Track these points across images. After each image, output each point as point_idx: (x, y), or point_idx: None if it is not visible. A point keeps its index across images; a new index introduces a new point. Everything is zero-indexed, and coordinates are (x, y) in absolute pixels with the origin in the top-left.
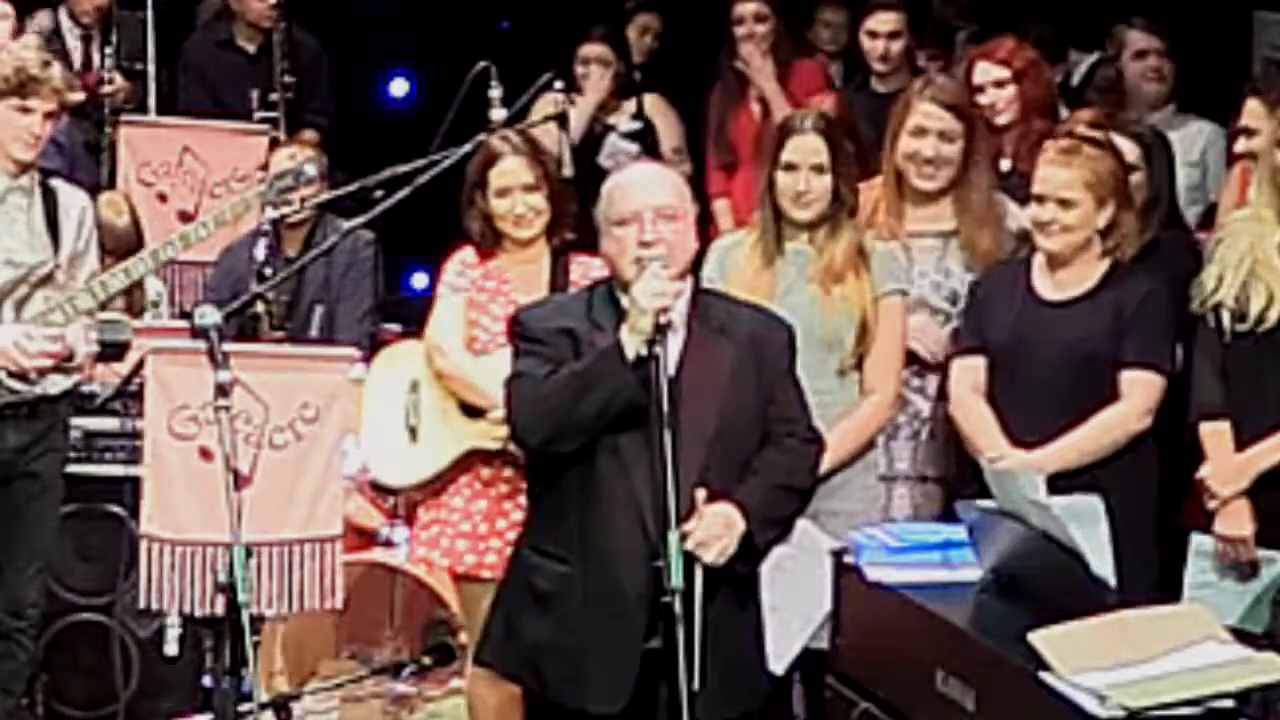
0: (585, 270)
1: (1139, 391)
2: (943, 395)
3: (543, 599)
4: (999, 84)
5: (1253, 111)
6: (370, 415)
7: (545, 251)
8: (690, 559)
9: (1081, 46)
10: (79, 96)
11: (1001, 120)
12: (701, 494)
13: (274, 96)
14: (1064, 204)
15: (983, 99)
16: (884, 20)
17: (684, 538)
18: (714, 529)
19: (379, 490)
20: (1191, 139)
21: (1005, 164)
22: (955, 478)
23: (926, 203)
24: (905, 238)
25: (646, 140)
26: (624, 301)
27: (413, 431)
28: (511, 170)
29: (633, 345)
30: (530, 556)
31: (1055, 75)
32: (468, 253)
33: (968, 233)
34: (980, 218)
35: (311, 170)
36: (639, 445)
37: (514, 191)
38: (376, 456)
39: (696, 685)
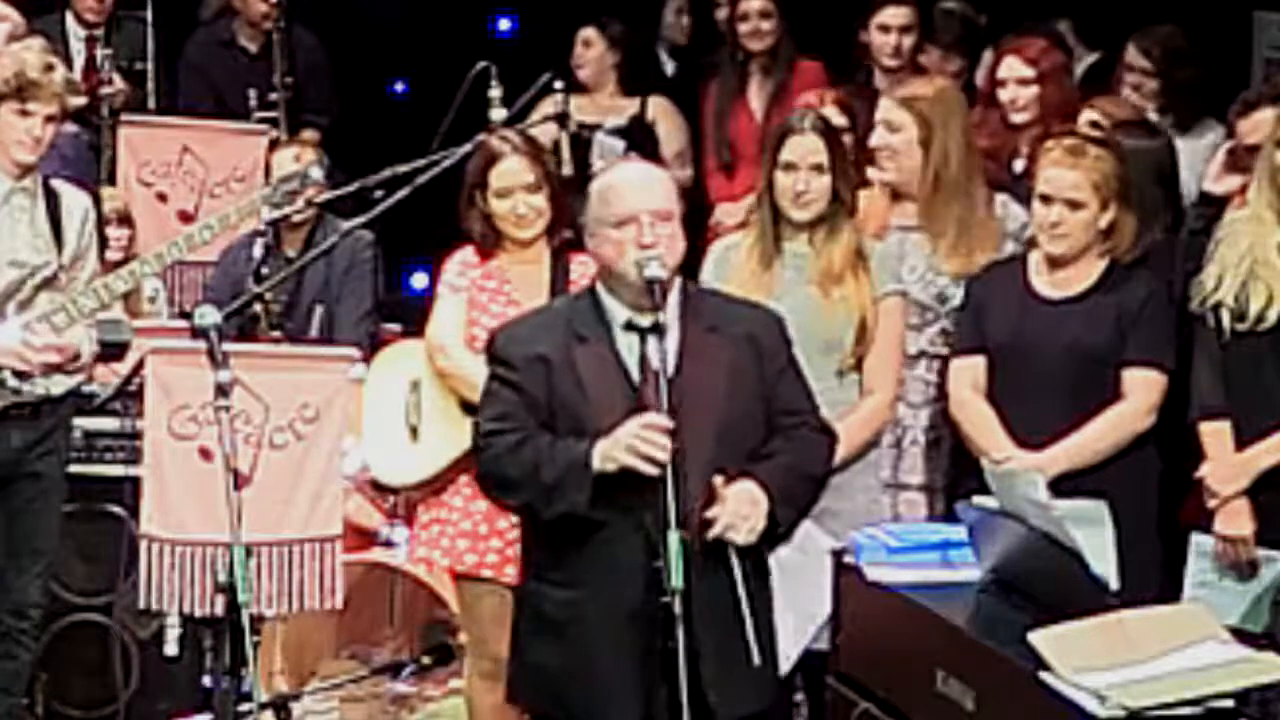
0: (586, 270)
1: (1143, 390)
2: (936, 401)
3: (553, 626)
4: (1023, 82)
5: (1260, 123)
6: (370, 415)
7: (545, 251)
8: (722, 547)
9: (1087, 43)
10: (80, 101)
11: (1019, 119)
12: (720, 479)
13: (274, 96)
14: (1072, 205)
15: (1003, 94)
16: (896, 14)
17: (707, 525)
18: (741, 508)
19: (379, 490)
20: (1199, 152)
21: (1020, 164)
22: (947, 484)
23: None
24: (897, 230)
25: (633, 138)
26: (608, 305)
27: (413, 431)
28: (513, 171)
29: (601, 466)
30: (536, 586)
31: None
32: (467, 252)
33: (964, 246)
34: (977, 230)
35: (317, 173)
36: None
37: (515, 192)
38: (377, 456)
39: (756, 659)
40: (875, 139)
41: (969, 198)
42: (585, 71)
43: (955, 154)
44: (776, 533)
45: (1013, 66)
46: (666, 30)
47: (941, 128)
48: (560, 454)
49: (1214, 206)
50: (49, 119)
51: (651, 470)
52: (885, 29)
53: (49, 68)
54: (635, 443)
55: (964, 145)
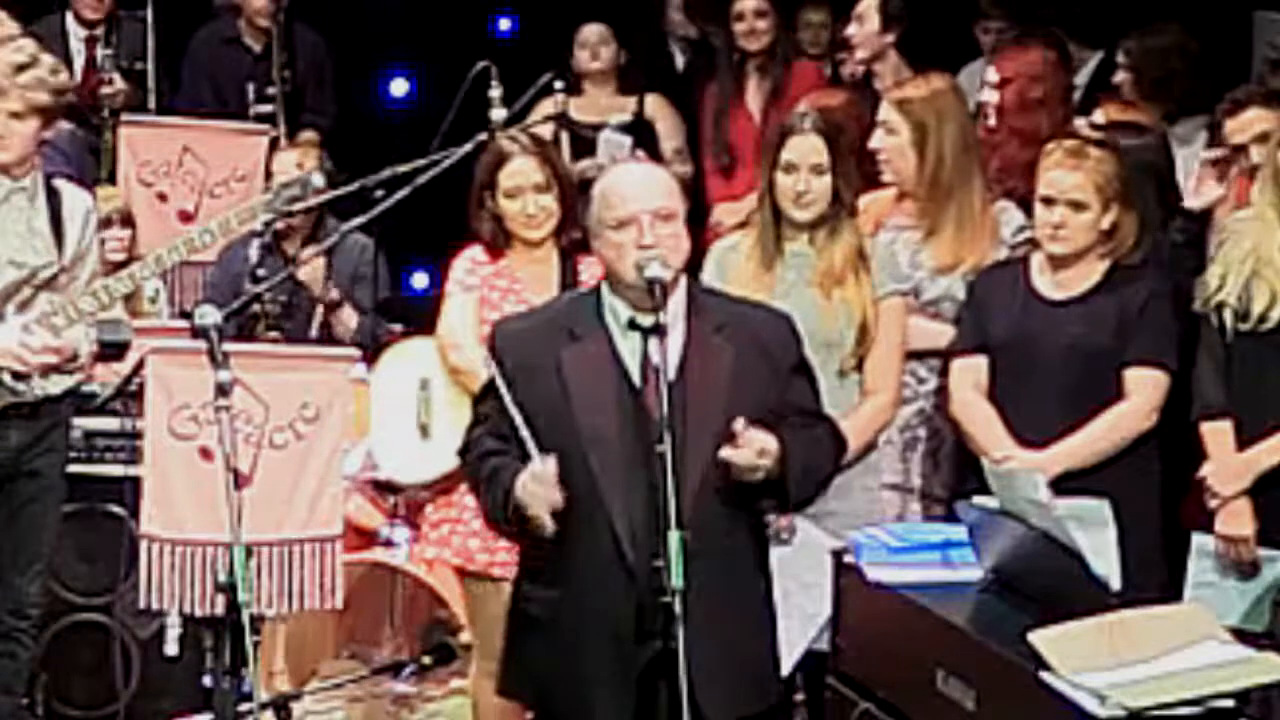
0: (594, 270)
1: (1145, 390)
2: (922, 399)
3: (538, 625)
4: (992, 87)
5: (1248, 122)
6: (380, 414)
7: (554, 251)
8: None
9: (1089, 44)
10: (46, 98)
11: (988, 123)
12: (741, 423)
13: (270, 91)
14: (1075, 207)
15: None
16: (866, 4)
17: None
18: (756, 445)
19: (379, 490)
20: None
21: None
22: (950, 486)
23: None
24: (891, 229)
25: (640, 134)
26: (611, 304)
27: (424, 429)
28: (522, 171)
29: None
30: (524, 584)
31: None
32: (476, 251)
33: (956, 244)
34: (970, 229)
35: (319, 180)
36: (614, 462)
37: (525, 192)
38: (387, 455)
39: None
40: (874, 141)
41: (966, 197)
42: (594, 70)
43: (950, 154)
44: (784, 500)
45: (988, 73)
46: (677, 26)
47: (935, 129)
48: (498, 479)
49: (1197, 221)
50: (14, 115)
51: (546, 523)
52: (858, 20)
53: (21, 68)
54: (524, 497)
55: (960, 145)
